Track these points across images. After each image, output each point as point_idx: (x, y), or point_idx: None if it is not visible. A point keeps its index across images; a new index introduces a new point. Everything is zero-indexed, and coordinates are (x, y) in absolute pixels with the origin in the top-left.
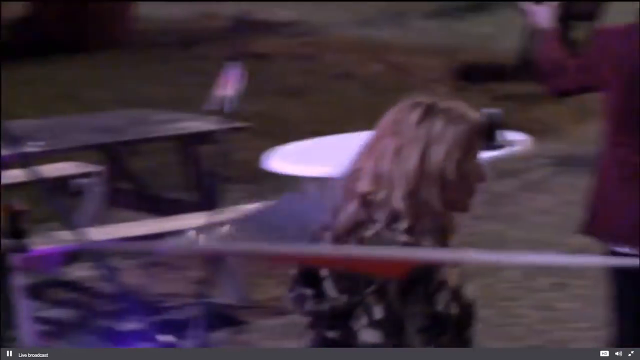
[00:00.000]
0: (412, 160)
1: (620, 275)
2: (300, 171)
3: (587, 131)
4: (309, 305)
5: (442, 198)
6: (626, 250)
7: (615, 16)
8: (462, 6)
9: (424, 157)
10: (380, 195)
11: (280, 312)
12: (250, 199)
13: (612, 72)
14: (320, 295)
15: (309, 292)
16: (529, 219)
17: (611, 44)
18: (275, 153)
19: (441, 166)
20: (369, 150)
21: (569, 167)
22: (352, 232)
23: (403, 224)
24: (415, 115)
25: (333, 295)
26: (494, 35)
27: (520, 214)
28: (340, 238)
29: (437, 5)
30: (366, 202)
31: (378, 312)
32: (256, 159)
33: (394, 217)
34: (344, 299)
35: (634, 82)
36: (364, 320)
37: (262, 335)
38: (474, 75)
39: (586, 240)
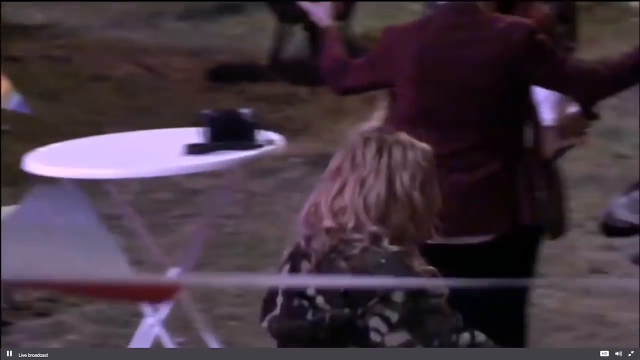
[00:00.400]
0: (378, 188)
1: None
2: (57, 173)
3: (339, 130)
4: (309, 316)
5: (413, 224)
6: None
7: (365, 15)
8: (214, 7)
9: (390, 184)
10: (350, 224)
11: (43, 313)
12: (11, 201)
13: (402, 70)
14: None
15: (306, 303)
16: (285, 217)
17: (399, 42)
18: (32, 155)
19: (408, 191)
20: (327, 189)
21: (322, 166)
22: (333, 255)
23: (387, 241)
24: (371, 149)
25: (330, 309)
26: (246, 36)
27: (277, 213)
28: (321, 263)
29: (189, 7)
30: (338, 230)
31: (393, 316)
32: (16, 161)
33: (375, 237)
34: (345, 311)
35: (425, 79)
36: (381, 327)
37: (25, 336)
38: (228, 75)
39: None
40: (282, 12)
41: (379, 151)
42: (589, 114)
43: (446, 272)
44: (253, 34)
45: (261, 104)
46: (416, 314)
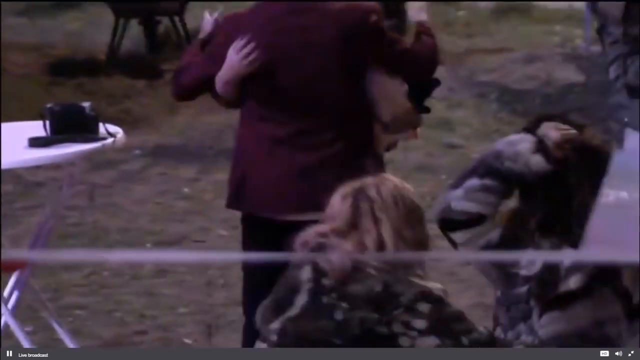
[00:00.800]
0: (397, 226)
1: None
2: None
3: (177, 122)
4: (338, 316)
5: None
6: (273, 216)
7: (203, 8)
8: (51, 3)
9: (403, 224)
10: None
11: None
12: None
13: None
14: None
15: (335, 301)
16: (127, 209)
17: (238, 30)
18: None
19: (416, 230)
20: (343, 224)
21: (162, 158)
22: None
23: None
24: (385, 191)
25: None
26: (84, 32)
27: (119, 204)
28: (347, 277)
29: (27, 3)
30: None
31: (420, 324)
32: None
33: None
34: (374, 315)
35: (269, 63)
36: (410, 333)
37: None
38: (67, 70)
39: (182, 228)
40: (118, 8)
41: (394, 197)
42: (420, 107)
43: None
44: (91, 29)
45: (100, 98)
46: (442, 322)
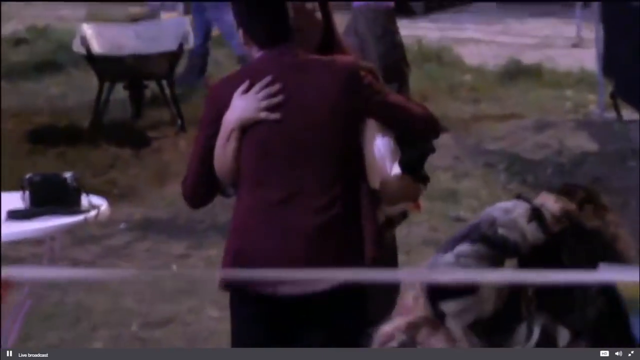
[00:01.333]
0: None
1: (244, 319)
2: None
3: (166, 194)
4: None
5: None
6: (271, 292)
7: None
8: (32, 67)
9: None
10: None
11: None
12: None
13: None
14: None
15: None
16: (111, 287)
17: (229, 94)
18: None
19: None
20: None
21: (149, 232)
22: None
23: None
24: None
25: None
26: (67, 95)
27: (103, 282)
28: None
29: (9, 67)
30: None
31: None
32: None
33: None
34: None
35: (262, 124)
36: None
37: None
38: (49, 138)
39: (171, 309)
40: (103, 71)
41: None
42: (417, 176)
43: (294, 327)
44: (74, 93)
45: (84, 168)
46: None
